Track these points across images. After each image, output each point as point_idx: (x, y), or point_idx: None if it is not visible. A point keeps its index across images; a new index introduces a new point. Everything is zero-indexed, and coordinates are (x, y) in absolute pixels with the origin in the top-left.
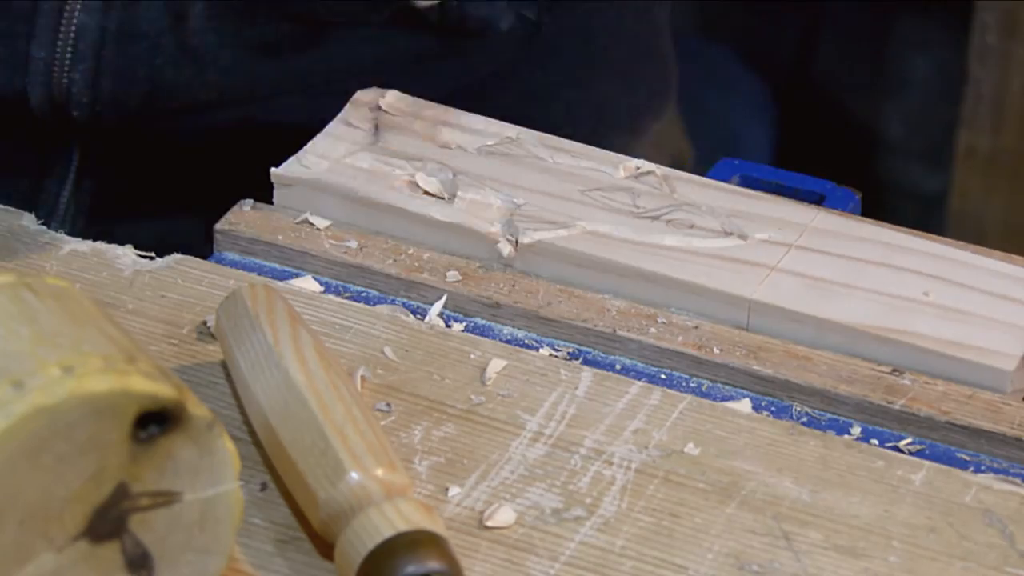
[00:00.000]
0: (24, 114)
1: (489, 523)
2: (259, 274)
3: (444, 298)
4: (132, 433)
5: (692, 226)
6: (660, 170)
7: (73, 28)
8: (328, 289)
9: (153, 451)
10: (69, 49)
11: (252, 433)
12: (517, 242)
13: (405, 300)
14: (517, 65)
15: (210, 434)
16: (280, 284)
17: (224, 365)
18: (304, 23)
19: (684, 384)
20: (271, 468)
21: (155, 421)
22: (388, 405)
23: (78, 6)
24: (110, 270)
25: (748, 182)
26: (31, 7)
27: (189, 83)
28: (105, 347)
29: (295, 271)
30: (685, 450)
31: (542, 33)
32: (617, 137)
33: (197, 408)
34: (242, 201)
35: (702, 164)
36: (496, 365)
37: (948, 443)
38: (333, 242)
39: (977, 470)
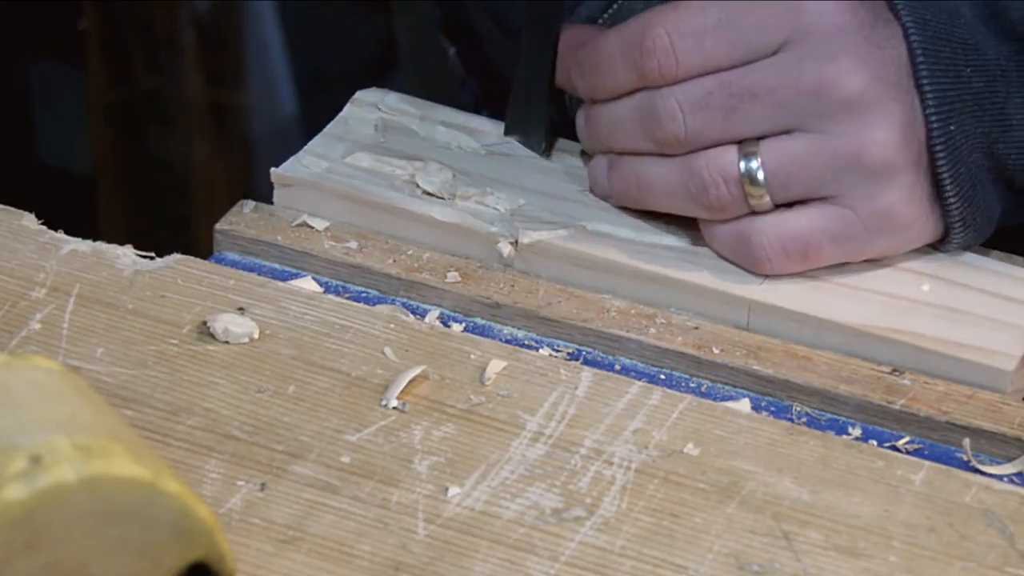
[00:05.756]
0: None
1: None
2: (259, 274)
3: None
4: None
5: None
6: None
7: None
8: (328, 289)
9: None
10: None
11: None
12: (517, 242)
13: (405, 300)
14: None
15: None
16: (280, 284)
17: None
18: None
19: (684, 384)
20: None
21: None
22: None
23: None
24: (110, 270)
25: None
26: None
27: None
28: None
29: (295, 271)
30: (685, 450)
31: None
32: None
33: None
34: (242, 201)
35: None
36: (496, 365)
37: (948, 443)
38: (333, 242)
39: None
